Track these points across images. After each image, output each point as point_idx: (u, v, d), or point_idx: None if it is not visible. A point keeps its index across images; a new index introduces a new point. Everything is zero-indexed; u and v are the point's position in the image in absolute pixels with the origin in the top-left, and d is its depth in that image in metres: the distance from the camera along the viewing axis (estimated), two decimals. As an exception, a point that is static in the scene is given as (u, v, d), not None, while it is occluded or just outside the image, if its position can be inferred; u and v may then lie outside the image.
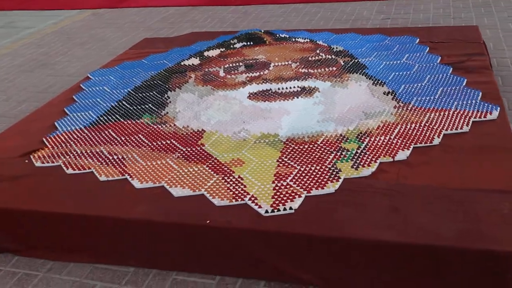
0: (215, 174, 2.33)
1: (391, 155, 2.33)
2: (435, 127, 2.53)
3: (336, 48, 3.78)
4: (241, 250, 2.02)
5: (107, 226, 2.18)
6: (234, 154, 2.49)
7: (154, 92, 3.33)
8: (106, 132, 2.85)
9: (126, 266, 2.19)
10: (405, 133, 2.51)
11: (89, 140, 2.79)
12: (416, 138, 2.45)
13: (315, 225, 1.96)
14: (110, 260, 2.21)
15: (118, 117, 3.03)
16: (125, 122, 2.95)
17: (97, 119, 3.03)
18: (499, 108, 2.63)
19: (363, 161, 2.31)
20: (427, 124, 2.57)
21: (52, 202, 2.29)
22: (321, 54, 3.68)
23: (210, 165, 2.41)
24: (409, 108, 2.76)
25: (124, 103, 3.21)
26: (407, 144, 2.41)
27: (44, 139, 2.84)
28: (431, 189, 2.08)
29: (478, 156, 2.28)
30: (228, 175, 2.32)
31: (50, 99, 3.51)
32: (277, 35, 4.22)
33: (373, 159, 2.32)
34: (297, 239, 1.96)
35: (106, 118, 3.03)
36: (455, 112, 2.65)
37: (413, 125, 2.58)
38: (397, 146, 2.40)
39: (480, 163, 2.22)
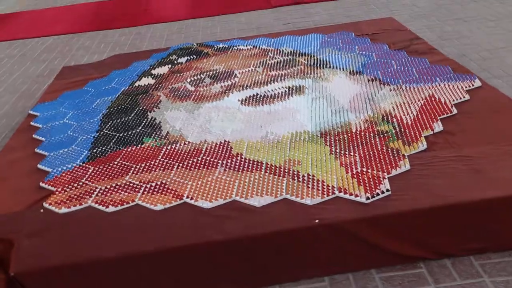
0: (281, 178, 2.23)
1: (429, 128, 2.49)
2: (442, 100, 2.76)
3: (286, 49, 3.87)
4: (353, 242, 1.97)
5: (195, 254, 1.94)
6: (281, 156, 2.40)
7: (131, 116, 3.02)
8: (116, 162, 2.51)
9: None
10: (423, 109, 2.70)
11: (103, 174, 2.42)
12: (436, 111, 2.65)
13: (417, 200, 2.01)
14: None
15: (114, 146, 2.68)
16: (129, 150, 2.63)
17: (91, 152, 2.64)
18: (476, 77, 2.99)
19: (409, 138, 2.43)
20: (433, 99, 2.79)
21: (115, 244, 1.95)
22: (276, 56, 3.72)
23: (268, 170, 2.30)
24: (403, 89, 2.96)
25: (107, 131, 2.85)
26: (433, 117, 2.59)
27: (42, 184, 2.39)
28: (489, 149, 2.27)
29: (497, 116, 2.55)
30: (295, 176, 2.23)
31: (5, 145, 2.94)
32: (215, 46, 4.14)
33: (417, 134, 2.45)
34: (405, 217, 1.97)
35: (100, 149, 2.66)
36: (446, 85, 2.93)
37: (422, 101, 2.78)
38: (426, 120, 2.57)
39: (504, 121, 2.49)
